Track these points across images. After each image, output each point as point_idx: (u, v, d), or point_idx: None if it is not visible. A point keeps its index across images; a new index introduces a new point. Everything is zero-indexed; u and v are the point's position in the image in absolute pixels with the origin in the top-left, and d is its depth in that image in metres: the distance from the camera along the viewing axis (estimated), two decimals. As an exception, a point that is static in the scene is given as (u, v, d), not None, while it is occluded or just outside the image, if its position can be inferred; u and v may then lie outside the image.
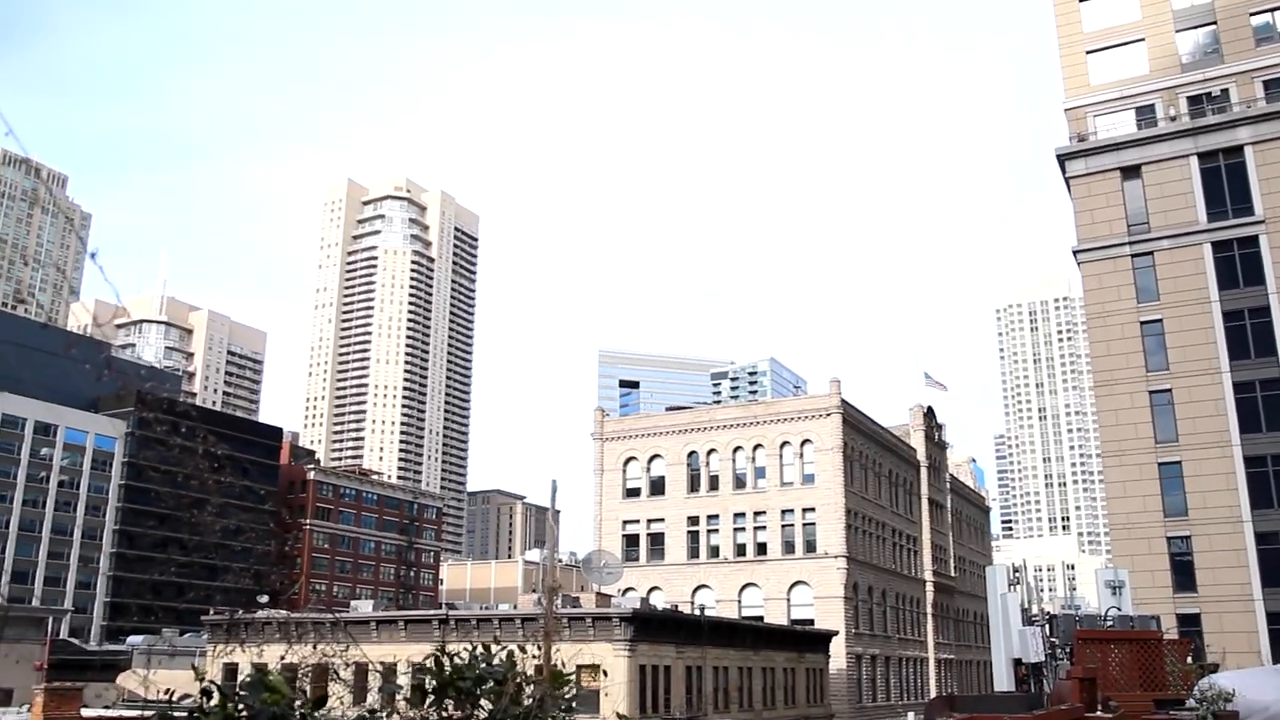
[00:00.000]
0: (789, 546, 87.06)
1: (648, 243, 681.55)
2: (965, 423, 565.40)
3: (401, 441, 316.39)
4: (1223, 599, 56.57)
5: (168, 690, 6.48)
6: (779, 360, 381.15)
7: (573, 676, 6.13)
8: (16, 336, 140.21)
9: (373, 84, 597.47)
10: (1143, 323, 62.00)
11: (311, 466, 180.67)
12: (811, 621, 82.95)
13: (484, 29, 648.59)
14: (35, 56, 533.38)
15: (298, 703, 4.43)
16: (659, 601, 79.97)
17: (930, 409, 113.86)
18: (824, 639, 79.65)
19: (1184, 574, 58.28)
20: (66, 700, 29.39)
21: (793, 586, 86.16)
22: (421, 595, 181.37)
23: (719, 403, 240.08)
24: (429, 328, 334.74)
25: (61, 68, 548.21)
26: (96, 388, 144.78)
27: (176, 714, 4.31)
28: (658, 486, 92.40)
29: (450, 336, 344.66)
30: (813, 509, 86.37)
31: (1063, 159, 66.39)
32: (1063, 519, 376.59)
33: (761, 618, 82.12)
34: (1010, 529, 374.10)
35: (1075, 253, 65.24)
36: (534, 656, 6.57)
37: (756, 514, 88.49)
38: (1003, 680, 32.79)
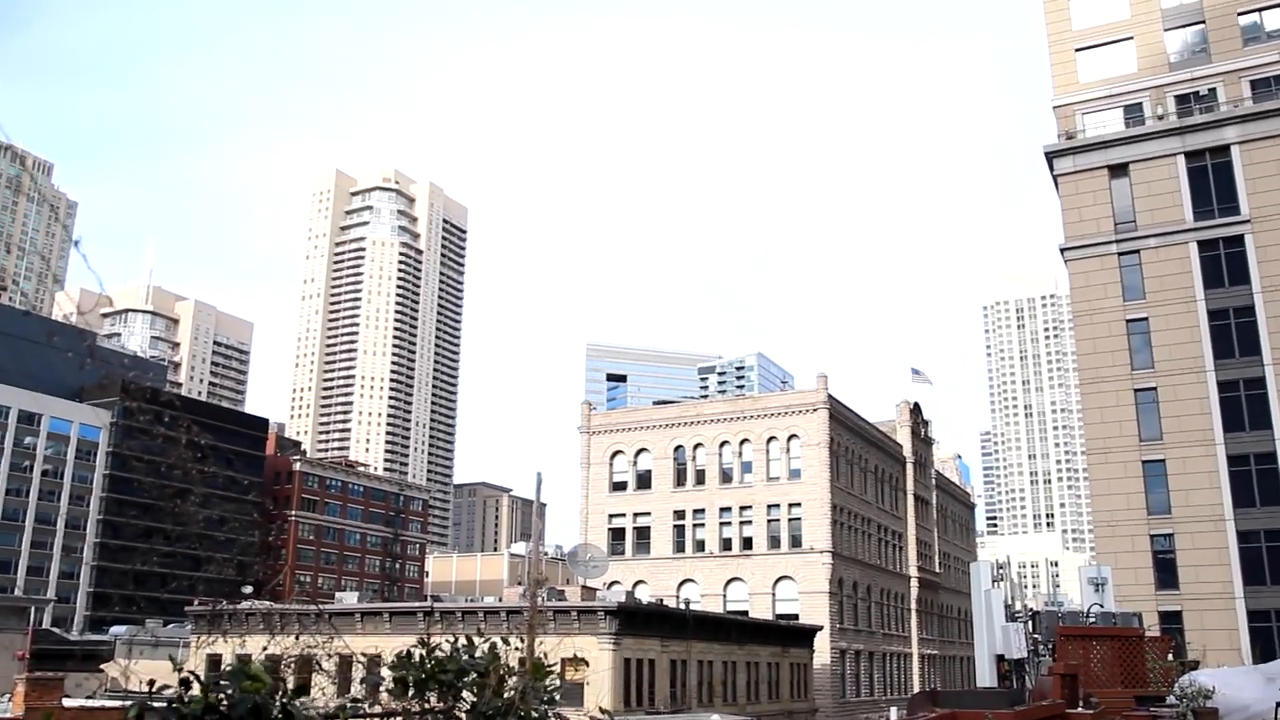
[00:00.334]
0: (774, 541, 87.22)
1: (636, 237, 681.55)
2: (951, 419, 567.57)
3: (388, 433, 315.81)
4: (1204, 597, 56.92)
5: (149, 680, 6.46)
6: (766, 355, 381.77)
7: (555, 668, 6.13)
8: (0, 325, 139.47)
9: (362, 75, 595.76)
10: (1129, 321, 62.26)
11: (297, 457, 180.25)
12: (796, 616, 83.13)
13: (474, 21, 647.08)
14: (21, 43, 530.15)
15: (279, 693, 4.42)
16: (644, 595, 79.91)
17: (917, 405, 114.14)
18: (808, 634, 79.84)
19: (1166, 571, 58.62)
20: (48, 690, 29.30)
21: (778, 581, 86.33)
22: (406, 587, 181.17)
23: (706, 397, 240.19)
24: (416, 320, 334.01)
25: (47, 54, 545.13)
26: (81, 377, 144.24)
27: (156, 704, 4.30)
28: (644, 480, 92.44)
29: (438, 329, 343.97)
30: (798, 504, 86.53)
31: (1051, 157, 66.56)
32: (1047, 516, 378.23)
33: (746, 612, 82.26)
34: (995, 525, 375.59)
35: (1062, 250, 65.45)
36: (518, 649, 6.57)
37: (742, 508, 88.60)
38: (985, 676, 32.93)
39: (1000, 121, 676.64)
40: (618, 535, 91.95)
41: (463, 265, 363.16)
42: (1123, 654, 23.80)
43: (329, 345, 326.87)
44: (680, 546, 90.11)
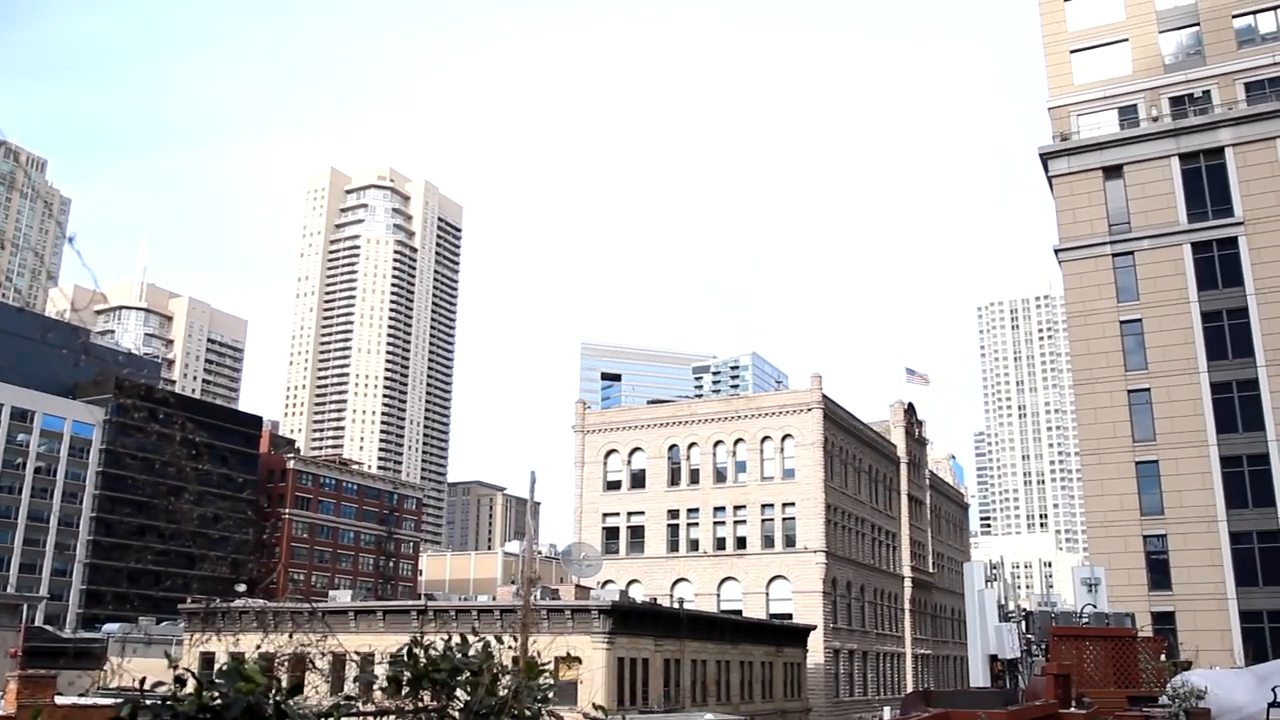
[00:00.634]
0: (768, 541, 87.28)
1: (631, 236, 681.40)
2: (945, 420, 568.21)
3: (382, 431, 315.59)
4: (1197, 597, 57.03)
5: (141, 679, 6.46)
6: (761, 355, 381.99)
7: (549, 667, 6.14)
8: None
9: (359, 73, 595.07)
10: (1122, 322, 62.35)
11: (291, 455, 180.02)
12: (790, 616, 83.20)
13: (471, 20, 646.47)
14: (15, 40, 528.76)
15: (273, 691, 4.42)
16: (638, 594, 79.91)
17: (911, 405, 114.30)
18: (802, 633, 79.92)
19: (1159, 572, 58.72)
20: (40, 687, 29.24)
21: (771, 581, 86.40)
22: (400, 586, 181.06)
23: (700, 396, 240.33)
24: (411, 318, 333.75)
25: (43, 51, 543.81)
26: (74, 374, 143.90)
27: (150, 702, 4.29)
28: (638, 479, 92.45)
29: (432, 327, 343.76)
30: (792, 504, 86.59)
31: (1045, 158, 66.63)
32: (1041, 516, 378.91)
33: (740, 611, 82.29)
34: (989, 526, 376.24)
35: (1057, 251, 65.52)
36: (512, 648, 6.57)
37: (736, 508, 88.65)
38: (979, 676, 33.00)
39: (996, 122, 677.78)
40: (612, 534, 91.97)
41: (458, 263, 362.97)
42: (1116, 654, 23.85)
43: (323, 343, 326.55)
44: (674, 546, 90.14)
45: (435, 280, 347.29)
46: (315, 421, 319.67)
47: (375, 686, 5.80)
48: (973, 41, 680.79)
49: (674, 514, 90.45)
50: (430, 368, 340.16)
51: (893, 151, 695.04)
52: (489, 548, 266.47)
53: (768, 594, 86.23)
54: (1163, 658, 26.26)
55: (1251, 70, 62.98)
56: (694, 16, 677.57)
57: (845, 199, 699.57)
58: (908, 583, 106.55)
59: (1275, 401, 57.36)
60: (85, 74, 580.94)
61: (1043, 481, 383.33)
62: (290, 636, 7.19)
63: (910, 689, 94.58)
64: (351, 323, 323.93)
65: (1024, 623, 39.91)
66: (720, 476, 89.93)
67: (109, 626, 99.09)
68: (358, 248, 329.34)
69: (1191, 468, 58.52)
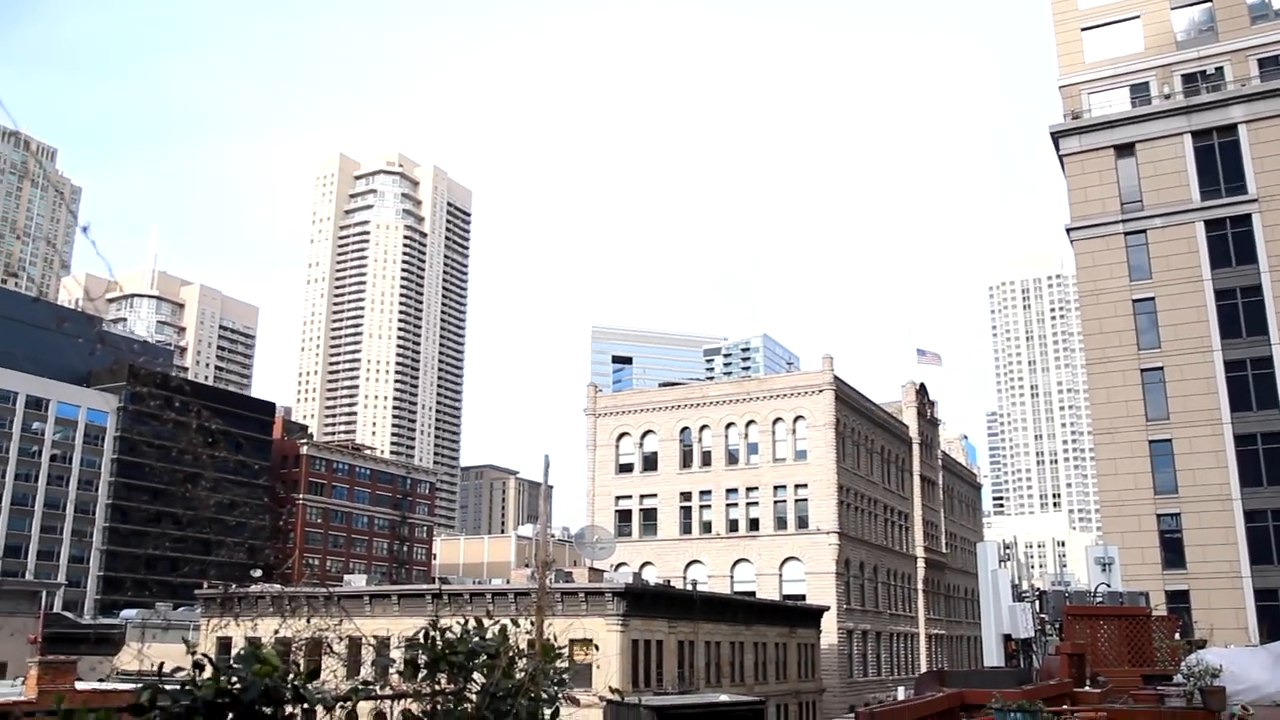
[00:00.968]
0: (781, 522, 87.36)
1: (641, 219, 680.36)
2: (957, 400, 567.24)
3: (394, 416, 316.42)
4: (1211, 576, 56.90)
5: (160, 664, 6.51)
6: (772, 337, 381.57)
7: (565, 650, 6.18)
8: (7, 310, 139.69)
9: (368, 61, 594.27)
10: (1135, 301, 62.04)
11: (304, 441, 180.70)
12: (803, 597, 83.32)
13: (481, 6, 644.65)
14: (28, 32, 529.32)
15: (290, 675, 4.46)
16: (651, 577, 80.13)
17: (923, 386, 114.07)
18: (815, 614, 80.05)
19: (1173, 551, 58.59)
20: (60, 673, 29.50)
21: (785, 562, 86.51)
22: (414, 570, 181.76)
23: (712, 379, 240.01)
24: (421, 303, 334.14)
25: (55, 43, 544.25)
26: (88, 362, 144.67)
27: (168, 686, 4.33)
28: (650, 462, 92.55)
29: (443, 312, 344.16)
30: (805, 485, 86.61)
31: (1057, 136, 66.22)
32: (1054, 496, 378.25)
33: (753, 593, 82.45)
34: (1001, 506, 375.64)
35: (1069, 230, 65.20)
36: (527, 631, 6.60)
37: (749, 490, 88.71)
38: (993, 655, 33.01)
39: (1007, 101, 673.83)
40: (624, 517, 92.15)
41: (467, 248, 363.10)
42: (1130, 633, 23.83)
43: (334, 329, 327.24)
44: (687, 528, 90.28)
45: (445, 265, 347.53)
46: (328, 407, 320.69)
47: (392, 670, 5.85)
48: (985, 21, 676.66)
49: (686, 496, 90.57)
50: (441, 352, 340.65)
51: (903, 132, 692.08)
52: (502, 531, 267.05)
53: (781, 575, 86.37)
54: (1177, 636, 26.20)
55: (1265, 46, 62.42)
56: (703, 6, 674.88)
57: (856, 180, 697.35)
58: (921, 563, 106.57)
59: (1289, 379, 57.08)
60: (91, 68, 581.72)
61: (1055, 461, 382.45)
62: (307, 621, 7.24)
63: (924, 669, 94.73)
64: (362, 308, 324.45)
65: (1038, 602, 39.86)
66: (732, 458, 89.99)
67: (127, 612, 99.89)
68: (367, 233, 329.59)
69: (1205, 446, 58.30)
